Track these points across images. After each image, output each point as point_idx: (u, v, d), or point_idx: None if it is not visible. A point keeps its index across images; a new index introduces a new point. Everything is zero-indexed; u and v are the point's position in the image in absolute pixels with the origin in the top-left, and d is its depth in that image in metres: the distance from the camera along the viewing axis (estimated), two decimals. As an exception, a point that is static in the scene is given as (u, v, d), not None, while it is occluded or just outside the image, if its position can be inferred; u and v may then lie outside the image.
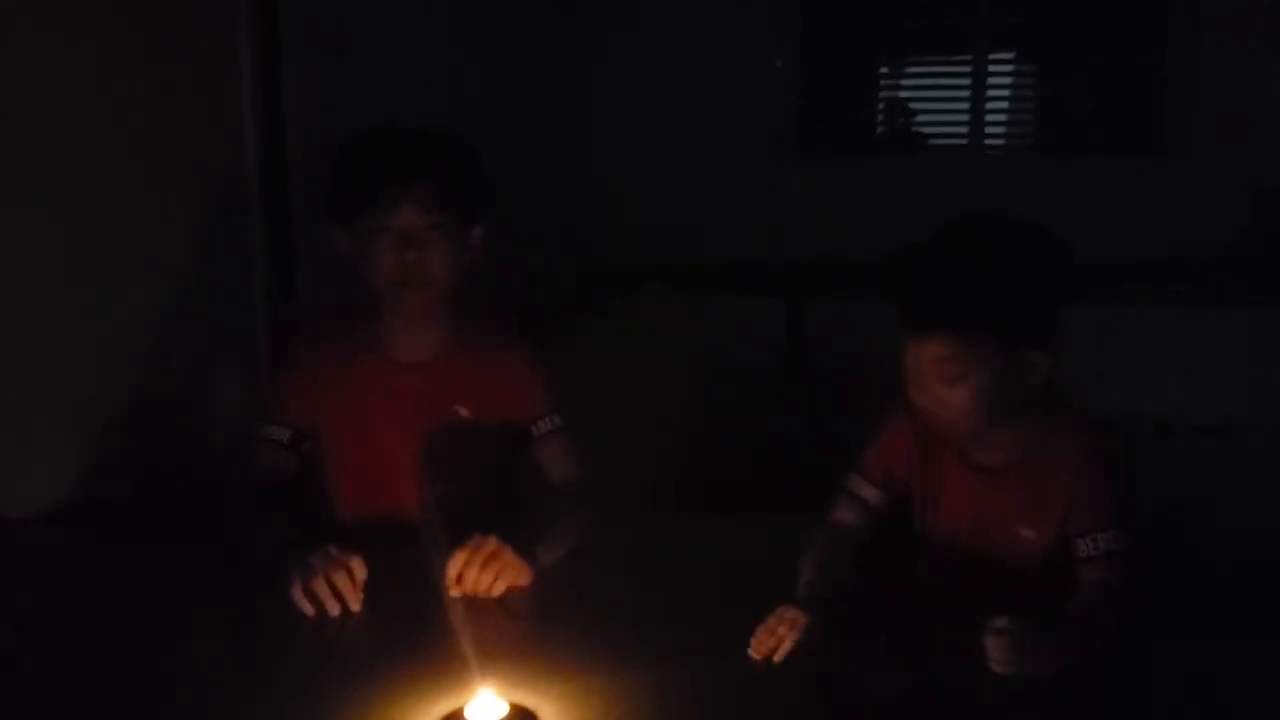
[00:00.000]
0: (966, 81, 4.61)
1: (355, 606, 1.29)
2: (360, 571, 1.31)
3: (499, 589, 1.32)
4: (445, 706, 1.07)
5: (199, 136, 2.10)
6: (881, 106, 4.89)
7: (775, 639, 1.20)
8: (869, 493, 1.45)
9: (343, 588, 1.29)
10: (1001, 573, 1.35)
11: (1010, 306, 1.25)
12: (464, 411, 1.58)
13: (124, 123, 1.87)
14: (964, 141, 4.67)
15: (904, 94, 4.91)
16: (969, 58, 4.58)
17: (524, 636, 1.27)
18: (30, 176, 1.67)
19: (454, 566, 1.31)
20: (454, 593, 1.31)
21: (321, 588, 1.29)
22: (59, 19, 1.72)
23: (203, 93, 2.11)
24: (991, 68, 4.60)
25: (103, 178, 1.82)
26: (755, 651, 1.19)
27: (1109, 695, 1.11)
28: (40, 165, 1.69)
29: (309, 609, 1.29)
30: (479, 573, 1.31)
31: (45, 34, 1.70)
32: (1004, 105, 4.72)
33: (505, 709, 1.06)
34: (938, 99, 4.81)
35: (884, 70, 4.87)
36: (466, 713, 1.05)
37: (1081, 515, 1.29)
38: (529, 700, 1.08)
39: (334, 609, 1.29)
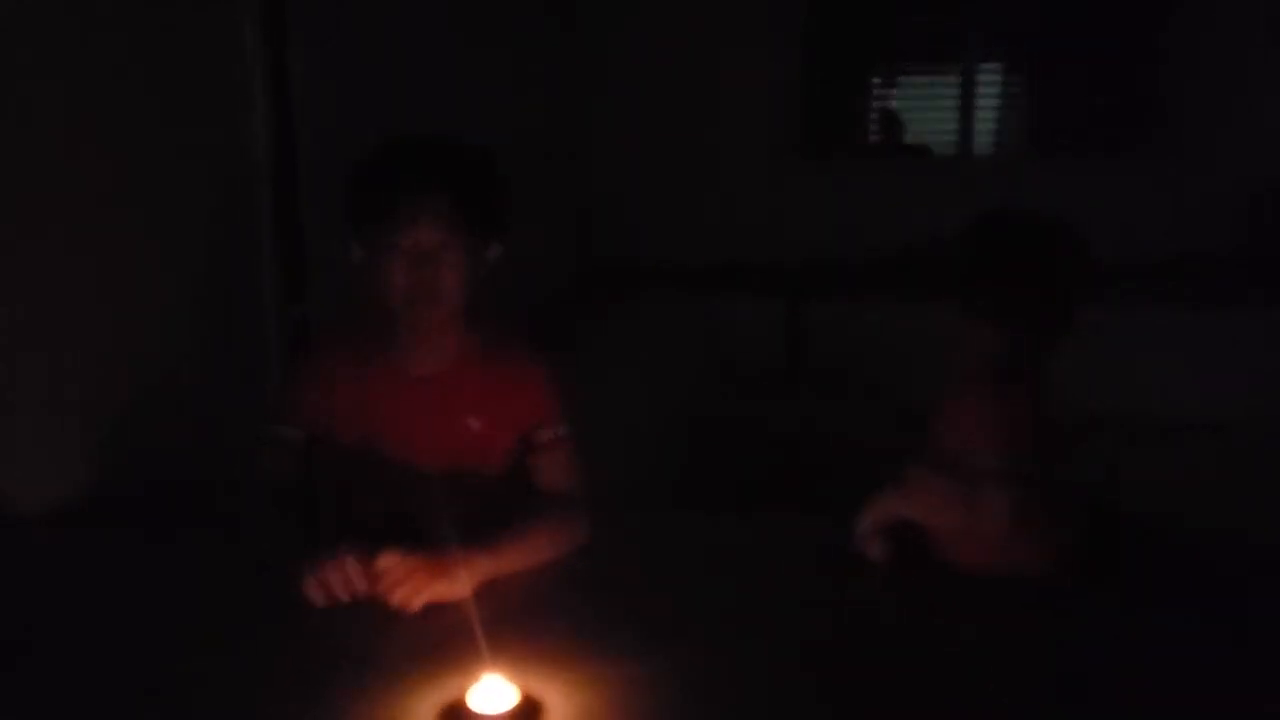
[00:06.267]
0: (956, 91, 4.63)
1: (363, 588, 1.32)
2: (369, 565, 1.34)
3: (418, 602, 1.33)
4: (449, 694, 1.10)
5: (209, 138, 2.09)
6: (875, 116, 4.91)
7: None
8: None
9: (354, 574, 1.32)
10: None
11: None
12: (474, 423, 1.57)
13: (133, 123, 1.86)
14: (954, 152, 4.70)
15: (895, 103, 4.94)
16: (959, 65, 4.61)
17: (528, 629, 1.28)
18: (41, 179, 1.66)
19: (386, 568, 1.33)
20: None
21: (334, 574, 1.32)
22: (66, 25, 1.73)
23: (212, 94, 2.11)
24: (982, 76, 4.62)
25: (114, 180, 1.81)
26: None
27: (1108, 695, 1.13)
28: (50, 167, 1.68)
29: (320, 599, 1.32)
30: (402, 589, 1.32)
31: (54, 39, 1.69)
32: (994, 112, 4.75)
33: (513, 694, 1.08)
34: (929, 107, 4.83)
35: (876, 80, 4.89)
36: (471, 699, 1.07)
37: None
38: (533, 690, 1.11)
39: (344, 595, 1.32)
